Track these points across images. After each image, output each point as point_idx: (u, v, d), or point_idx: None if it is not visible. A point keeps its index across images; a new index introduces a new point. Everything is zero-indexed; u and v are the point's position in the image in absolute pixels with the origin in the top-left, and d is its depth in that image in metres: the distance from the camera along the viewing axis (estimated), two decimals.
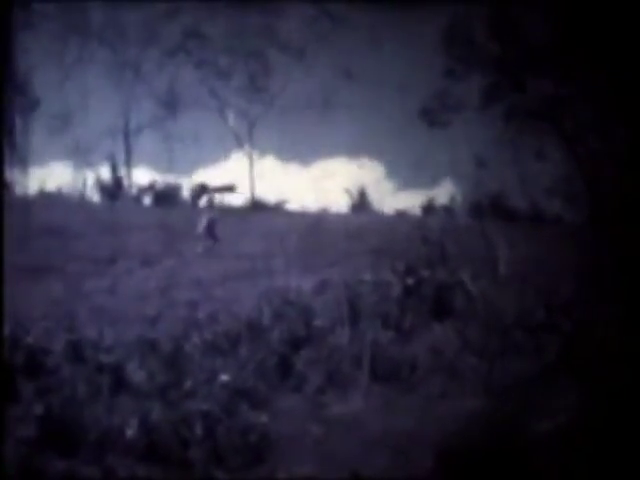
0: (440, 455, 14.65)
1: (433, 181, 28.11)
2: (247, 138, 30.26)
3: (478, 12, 25.05)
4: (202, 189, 26.97)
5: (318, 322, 22.27)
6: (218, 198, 27.89)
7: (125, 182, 29.91)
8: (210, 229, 26.38)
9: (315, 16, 28.73)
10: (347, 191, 30.15)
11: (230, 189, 28.12)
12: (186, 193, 30.50)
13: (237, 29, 29.69)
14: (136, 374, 19.99)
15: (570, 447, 15.89)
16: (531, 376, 19.31)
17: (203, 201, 26.84)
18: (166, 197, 30.04)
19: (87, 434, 17.84)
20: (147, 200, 29.95)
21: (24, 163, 30.22)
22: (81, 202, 28.92)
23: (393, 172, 29.48)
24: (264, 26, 29.53)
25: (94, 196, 29.66)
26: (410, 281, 23.10)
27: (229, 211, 29.61)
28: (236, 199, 30.57)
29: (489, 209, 26.21)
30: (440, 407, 18.43)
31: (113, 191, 29.71)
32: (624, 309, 20.74)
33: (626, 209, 22.88)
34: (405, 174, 28.90)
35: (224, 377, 19.85)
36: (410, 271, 23.29)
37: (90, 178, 29.59)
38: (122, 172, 29.72)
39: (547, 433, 15.68)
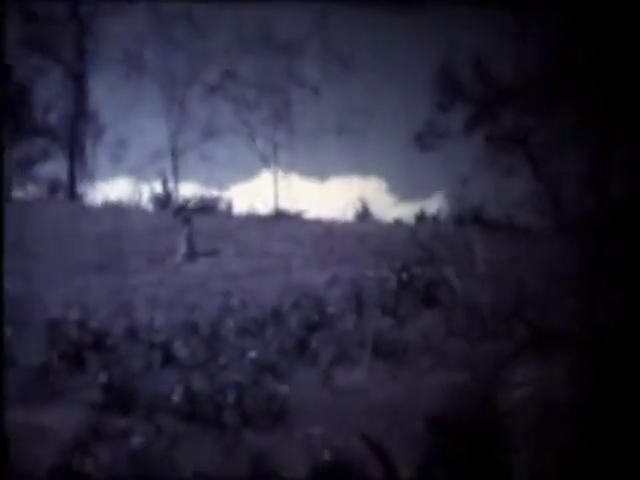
0: (430, 420, 14.70)
1: (424, 195, 28.12)
2: (272, 159, 30.27)
3: (462, 59, 25.11)
4: (181, 208, 26.80)
5: (329, 310, 22.33)
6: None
7: (173, 194, 29.96)
8: (189, 240, 26.14)
9: (328, 59, 28.78)
10: (354, 203, 30.14)
11: (204, 209, 28.17)
12: (223, 204, 30.58)
13: (264, 70, 29.75)
14: (180, 351, 20.11)
15: (534, 413, 15.93)
16: (503, 355, 19.34)
17: (181, 218, 26.50)
18: (206, 207, 30.07)
19: (141, 399, 17.96)
20: (191, 210, 30.02)
21: (92, 179, 30.36)
22: (137, 211, 28.98)
23: (392, 188, 29.51)
24: (286, 67, 29.58)
25: (148, 206, 29.68)
26: (404, 277, 23.14)
27: (257, 219, 29.59)
28: (263, 209, 30.62)
29: (470, 219, 26.21)
30: (429, 380, 18.48)
31: (163, 202, 29.74)
32: (580, 300, 20.78)
33: (584, 219, 22.95)
34: (402, 189, 28.94)
35: (252, 354, 19.92)
36: (404, 269, 23.32)
37: (145, 191, 29.63)
38: (171, 186, 29.77)
39: (516, 402, 15.71)
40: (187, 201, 27.81)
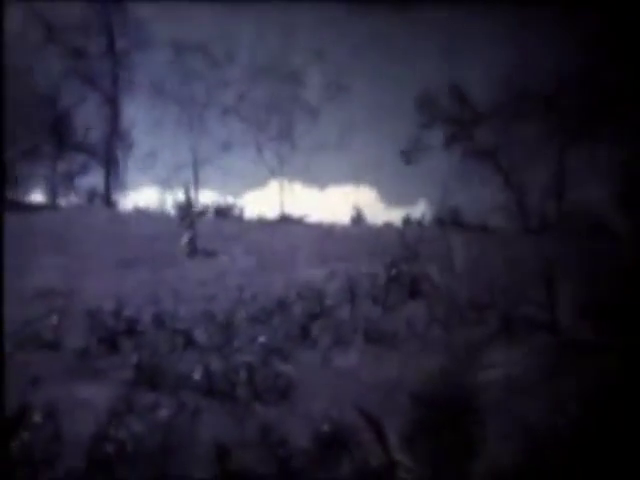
0: (414, 395, 14.72)
1: (410, 202, 28.15)
2: (278, 170, 30.26)
3: (441, 86, 25.20)
4: (186, 214, 26.70)
5: (327, 301, 22.30)
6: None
7: (193, 201, 30.02)
8: (191, 242, 26.02)
9: (326, 86, 28.82)
10: (349, 209, 30.14)
11: (220, 214, 28.18)
12: (236, 210, 30.60)
13: (271, 95, 29.76)
14: (200, 336, 20.10)
15: (506, 390, 16.00)
16: (477, 340, 19.39)
17: (185, 222, 26.34)
18: (222, 212, 30.07)
19: (166, 377, 18.00)
20: (209, 214, 30.03)
21: (124, 188, 30.42)
22: (162, 216, 28.99)
23: (382, 195, 29.52)
24: (290, 93, 29.59)
25: (171, 211, 29.70)
26: (393, 272, 23.12)
27: (265, 222, 29.58)
28: (270, 214, 30.63)
29: (449, 222, 26.22)
30: (414, 362, 18.46)
31: (185, 208, 29.75)
32: (545, 292, 20.82)
33: (544, 222, 23.04)
34: (391, 197, 28.96)
35: (261, 339, 19.94)
36: (393, 265, 23.29)
37: (169, 199, 29.64)
38: (192, 194, 29.81)
39: (490, 381, 15.76)
40: (190, 208, 27.72)
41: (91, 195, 30.67)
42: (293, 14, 26.98)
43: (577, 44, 23.16)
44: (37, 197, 30.36)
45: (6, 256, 23.88)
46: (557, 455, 14.68)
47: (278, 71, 29.69)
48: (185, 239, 25.51)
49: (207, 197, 30.67)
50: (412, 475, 13.74)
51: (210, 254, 25.88)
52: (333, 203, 29.90)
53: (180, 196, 29.90)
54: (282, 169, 30.11)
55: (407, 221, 28.82)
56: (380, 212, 29.59)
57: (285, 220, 29.73)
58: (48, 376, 18.47)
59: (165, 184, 29.86)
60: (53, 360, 19.12)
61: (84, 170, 30.78)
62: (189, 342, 19.83)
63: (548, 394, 16.44)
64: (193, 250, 25.59)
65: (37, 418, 16.89)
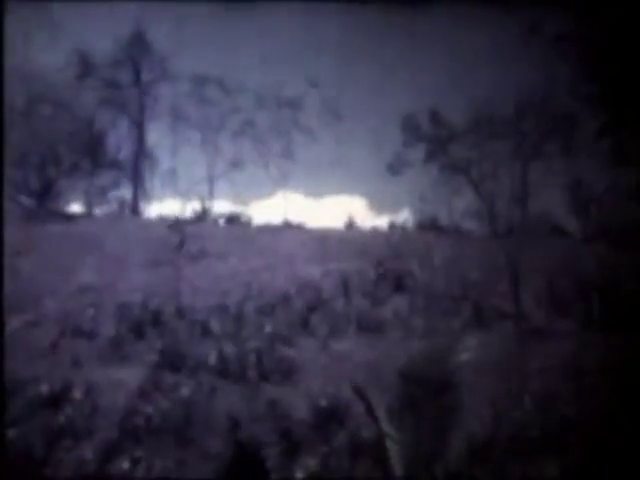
0: (400, 375, 14.61)
1: (395, 209, 28.09)
2: (282, 183, 30.22)
3: (421, 109, 25.20)
4: (176, 222, 26.48)
5: (324, 295, 22.23)
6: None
7: (209, 210, 29.95)
8: (181, 245, 25.66)
9: (323, 112, 28.78)
10: (343, 216, 30.06)
11: (231, 221, 28.09)
12: (246, 217, 30.53)
13: (275, 120, 29.73)
14: (215, 326, 19.99)
15: (478, 370, 15.90)
16: (454, 328, 19.32)
17: (175, 230, 26.00)
18: (233, 219, 29.98)
19: (186, 361, 17.91)
20: (222, 221, 29.90)
21: (149, 199, 30.36)
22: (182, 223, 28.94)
23: (371, 204, 29.47)
24: (292, 118, 29.55)
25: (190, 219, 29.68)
26: (380, 270, 23.04)
27: (270, 228, 29.51)
28: (275, 220, 30.54)
29: (428, 226, 26.17)
30: (399, 346, 18.40)
31: (202, 216, 29.66)
32: (510, 286, 20.79)
33: (510, 226, 23.02)
34: (379, 206, 28.93)
35: (267, 328, 19.85)
36: (380, 264, 23.22)
37: (188, 208, 29.57)
38: (207, 204, 29.74)
39: (464, 362, 15.66)
40: (178, 217, 27.52)
41: (121, 205, 30.59)
42: (291, 48, 27.00)
43: (532, 76, 23.25)
44: (76, 208, 30.28)
45: (50, 258, 23.84)
46: (521, 426, 14.63)
47: (280, 99, 29.60)
48: (176, 242, 25.11)
49: (220, 207, 30.57)
50: (398, 444, 13.61)
51: (223, 255, 25.79)
52: (329, 211, 29.82)
53: (197, 206, 29.88)
54: (285, 182, 30.03)
55: (392, 226, 28.74)
56: (369, 219, 29.52)
57: (288, 226, 29.61)
58: (87, 360, 18.40)
59: (184, 196, 29.79)
60: (90, 346, 19.04)
61: (116, 184, 30.73)
62: (205, 331, 19.74)
63: (514, 374, 16.38)
64: (183, 251, 25.10)
65: (78, 395, 16.84)
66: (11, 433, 15.66)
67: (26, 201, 29.37)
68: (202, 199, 29.62)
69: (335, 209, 30.16)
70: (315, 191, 30.24)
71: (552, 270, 20.66)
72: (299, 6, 25.60)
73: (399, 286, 22.55)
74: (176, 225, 25.70)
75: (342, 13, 25.74)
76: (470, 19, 23.95)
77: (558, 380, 15.87)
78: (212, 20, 26.72)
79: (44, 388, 16.90)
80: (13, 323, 20.03)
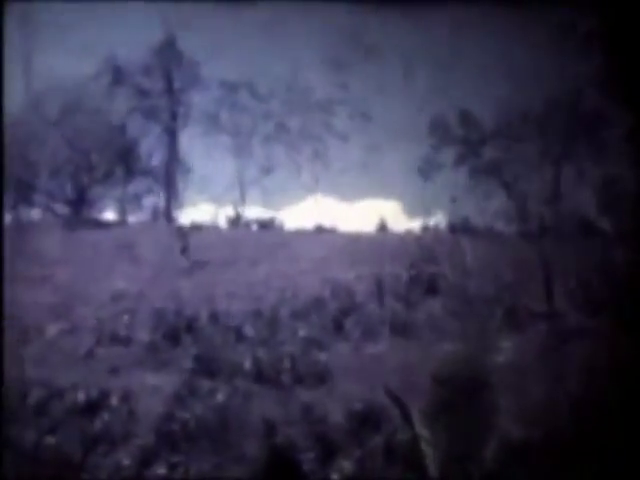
0: (434, 378, 14.65)
1: (427, 212, 27.96)
2: (314, 188, 30.26)
3: (450, 110, 25.11)
4: (180, 228, 26.41)
5: (357, 299, 22.14)
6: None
7: (241, 216, 29.99)
8: (183, 249, 25.50)
9: (354, 115, 28.78)
10: (375, 219, 29.94)
11: (264, 226, 28.08)
12: (278, 222, 30.52)
13: (306, 124, 29.76)
14: (249, 331, 20.08)
15: (512, 372, 15.92)
16: (487, 329, 19.28)
17: (179, 236, 25.90)
18: (265, 225, 30.03)
19: (221, 366, 18.07)
20: (254, 227, 29.94)
21: (181, 206, 30.48)
22: (215, 229, 29.04)
23: (404, 207, 29.36)
24: (323, 121, 29.58)
25: (223, 225, 29.72)
26: (413, 273, 22.95)
27: (303, 233, 29.53)
28: (307, 225, 30.53)
29: (460, 228, 26.05)
30: (433, 349, 18.41)
31: (234, 221, 29.74)
32: (543, 286, 20.73)
33: (542, 227, 22.94)
34: (411, 208, 28.81)
35: (301, 332, 19.95)
36: (413, 266, 23.11)
37: (221, 214, 29.64)
38: (239, 210, 29.78)
39: (498, 364, 15.70)
40: (183, 225, 27.53)
41: (155, 213, 30.74)
42: (322, 53, 27.04)
43: (562, 75, 23.14)
44: (110, 215, 30.50)
45: (86, 266, 24.09)
46: (557, 427, 14.60)
47: (310, 103, 29.66)
48: (178, 251, 25.00)
49: (252, 212, 30.58)
50: (433, 447, 13.68)
51: (256, 260, 25.87)
52: (361, 215, 29.78)
53: (230, 212, 29.96)
54: (317, 186, 30.00)
55: (425, 228, 28.63)
56: (402, 222, 29.38)
57: (320, 230, 29.56)
58: (123, 366, 18.60)
59: (217, 202, 29.82)
60: (126, 353, 19.24)
61: (149, 191, 30.84)
62: (240, 336, 19.83)
63: (548, 374, 16.35)
64: (186, 258, 24.98)
65: (115, 401, 17.06)
66: (49, 439, 15.91)
67: (61, 209, 29.71)
68: (235, 205, 29.70)
69: (367, 213, 30.10)
70: (347, 195, 30.14)
71: (585, 270, 20.55)
72: (327, 9, 25.70)
73: (432, 289, 22.47)
74: (180, 231, 25.76)
75: (370, 14, 25.80)
76: (499, 18, 23.91)
77: (592, 381, 15.83)
78: (242, 26, 26.89)
79: (81, 395, 17.15)
80: (50, 331, 20.31)
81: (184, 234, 25.42)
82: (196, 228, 27.52)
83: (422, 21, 25.67)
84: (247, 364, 18.12)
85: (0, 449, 15.57)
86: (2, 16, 19.91)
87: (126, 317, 20.65)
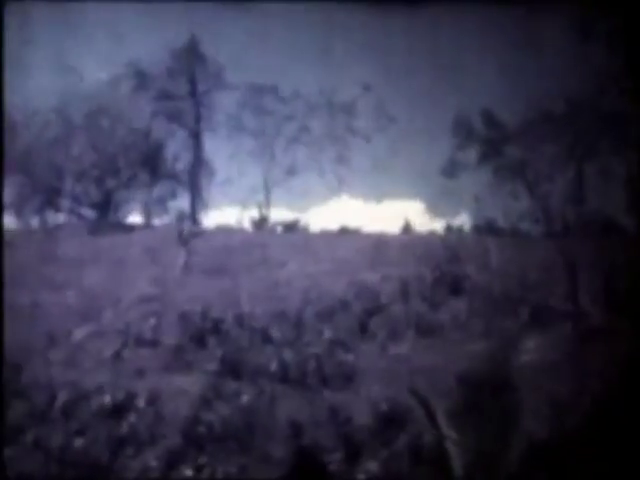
0: (458, 378, 14.68)
1: (451, 213, 27.89)
2: (338, 189, 30.26)
3: (472, 109, 25.05)
4: (181, 233, 26.34)
5: (382, 300, 22.20)
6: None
7: (266, 218, 30.03)
8: (186, 258, 25.44)
9: (377, 116, 28.78)
10: (400, 220, 29.87)
11: (288, 228, 28.02)
12: (302, 224, 30.57)
13: (329, 125, 29.78)
14: (275, 332, 20.14)
15: (537, 372, 15.89)
16: (512, 330, 19.24)
17: (181, 241, 25.87)
18: (289, 227, 30.10)
19: (247, 368, 18.15)
20: (279, 229, 30.01)
21: (207, 209, 30.62)
22: (240, 231, 29.13)
23: (428, 208, 29.29)
24: (346, 123, 29.60)
25: (248, 227, 29.82)
26: (437, 273, 22.94)
27: (327, 234, 29.56)
28: (331, 226, 30.56)
29: (484, 229, 25.98)
30: (458, 349, 18.43)
31: (259, 224, 29.82)
32: (568, 286, 20.66)
33: (567, 226, 22.84)
34: (434, 209, 28.73)
35: (327, 333, 19.99)
36: (437, 267, 23.11)
37: (246, 216, 29.72)
38: (264, 212, 29.86)
39: (523, 364, 15.66)
40: (184, 228, 27.52)
41: (180, 215, 30.88)
42: (342, 52, 27.06)
43: (585, 73, 23.05)
44: (135, 219, 30.68)
45: (112, 269, 24.25)
46: (582, 427, 14.56)
47: (333, 104, 29.68)
48: (181, 256, 24.93)
49: (277, 214, 30.64)
50: (458, 447, 13.70)
51: (281, 262, 25.93)
52: (385, 216, 29.75)
53: (254, 214, 30.07)
54: (341, 188, 29.99)
55: (449, 229, 28.59)
56: (426, 222, 29.33)
57: (344, 231, 29.61)
58: (149, 369, 18.73)
59: (242, 204, 29.91)
60: (153, 355, 19.35)
61: (173, 194, 30.99)
62: (265, 338, 19.89)
63: (574, 374, 16.31)
64: (187, 266, 24.88)
65: (141, 404, 17.18)
66: (77, 442, 16.06)
67: (87, 213, 29.94)
68: (259, 207, 29.79)
69: (391, 213, 30.09)
70: (371, 196, 30.10)
71: (609, 269, 20.45)
72: (347, 11, 25.73)
73: (457, 289, 22.45)
74: (181, 237, 25.78)
75: (390, 15, 25.80)
76: (521, 18, 23.86)
77: (617, 380, 15.78)
78: (264, 29, 26.97)
79: (108, 397, 17.29)
80: (77, 334, 20.48)
81: (186, 240, 25.44)
82: (221, 230, 27.76)
83: (445, 21, 25.63)
84: (273, 366, 18.19)
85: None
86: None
87: (152, 320, 20.77)
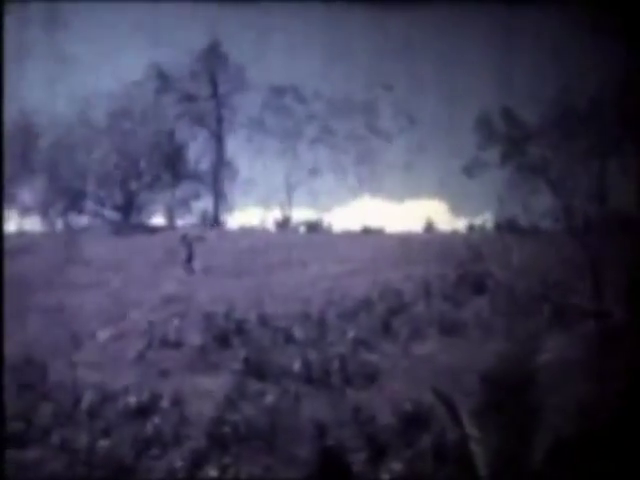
0: (481, 377, 14.64)
1: (473, 211, 27.80)
2: (360, 189, 30.25)
3: (494, 108, 24.98)
4: (184, 236, 26.27)
5: (405, 299, 22.14)
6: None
7: (289, 218, 30.07)
8: (189, 258, 25.35)
9: (397, 116, 28.77)
10: (422, 219, 29.80)
11: (200, 238, 27.89)
12: (325, 224, 30.60)
13: (351, 126, 29.79)
14: (298, 332, 20.19)
15: (560, 371, 15.84)
16: (535, 328, 19.17)
17: (184, 242, 25.80)
18: (312, 227, 30.12)
19: (271, 368, 18.21)
20: (302, 229, 30.05)
21: (231, 210, 30.72)
22: (264, 232, 29.18)
23: (450, 207, 29.22)
24: (367, 123, 29.60)
25: (271, 228, 29.88)
26: (460, 272, 22.90)
27: (350, 234, 29.56)
28: (354, 226, 30.54)
29: (506, 227, 25.89)
30: (481, 348, 18.37)
31: (282, 224, 29.87)
32: (591, 284, 20.56)
33: (589, 224, 22.74)
34: (457, 207, 28.66)
35: (350, 333, 20.01)
36: (460, 266, 23.05)
37: (269, 217, 29.78)
38: (287, 212, 29.91)
39: (546, 363, 15.60)
40: (187, 232, 27.47)
41: (203, 216, 30.98)
42: (363, 53, 27.06)
43: (606, 72, 22.94)
44: (158, 220, 30.80)
45: (136, 270, 24.38)
46: (606, 425, 14.51)
47: (354, 104, 29.67)
48: (183, 257, 24.83)
49: (299, 214, 30.67)
50: (482, 446, 13.68)
51: (304, 262, 25.94)
52: (408, 215, 29.72)
53: (277, 214, 30.13)
54: (363, 187, 29.98)
55: (471, 228, 28.51)
56: (448, 221, 29.26)
57: (367, 231, 29.60)
58: (173, 369, 18.81)
59: (264, 205, 29.96)
60: (177, 356, 19.44)
61: (196, 195, 31.09)
62: (289, 338, 19.94)
63: (597, 373, 16.25)
64: (189, 267, 24.83)
65: (166, 404, 17.27)
66: (102, 442, 16.16)
67: (111, 215, 30.09)
68: (282, 207, 29.84)
69: (414, 213, 30.04)
70: (393, 195, 30.09)
71: (631, 267, 20.33)
72: (367, 10, 25.73)
73: (479, 288, 22.39)
74: (184, 239, 25.77)
75: (412, 15, 25.78)
76: (543, 17, 23.78)
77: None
78: (285, 30, 27.02)
79: (133, 398, 17.39)
80: (101, 335, 20.61)
81: (189, 242, 25.46)
82: (244, 231, 27.85)
83: (468, 22, 25.58)
84: (296, 366, 18.24)
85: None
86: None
87: (176, 321, 20.86)
